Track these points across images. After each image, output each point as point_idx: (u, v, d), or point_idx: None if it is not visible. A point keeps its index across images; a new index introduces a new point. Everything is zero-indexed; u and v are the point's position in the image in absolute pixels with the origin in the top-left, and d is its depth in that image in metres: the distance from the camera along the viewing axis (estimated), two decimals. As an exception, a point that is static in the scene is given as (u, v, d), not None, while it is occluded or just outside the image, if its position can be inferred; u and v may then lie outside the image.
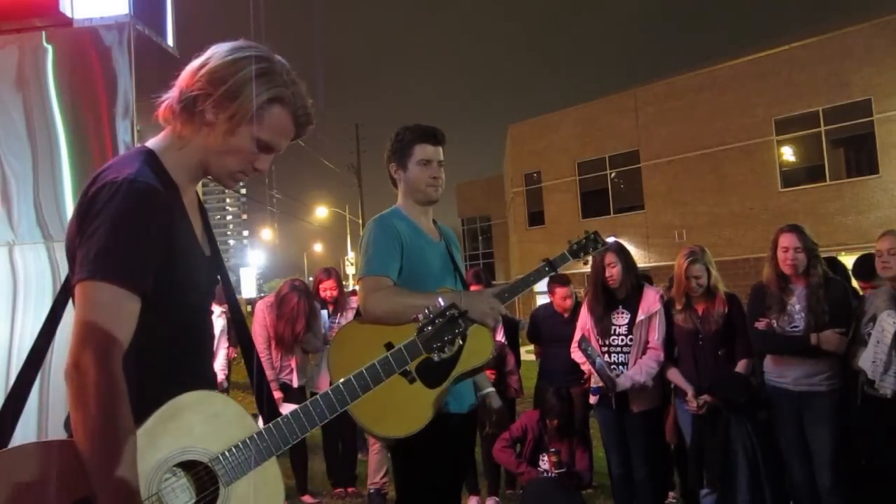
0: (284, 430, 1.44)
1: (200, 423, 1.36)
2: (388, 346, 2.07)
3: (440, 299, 1.79)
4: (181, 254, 1.38)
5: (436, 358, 1.73)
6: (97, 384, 1.18)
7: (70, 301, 1.47)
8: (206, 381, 1.51)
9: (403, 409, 2.08)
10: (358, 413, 2.06)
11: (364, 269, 2.37)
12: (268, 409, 1.52)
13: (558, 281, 5.07)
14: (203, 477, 1.34)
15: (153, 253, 1.30)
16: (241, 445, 1.38)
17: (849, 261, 4.74)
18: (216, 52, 1.42)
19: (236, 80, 1.38)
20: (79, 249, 1.28)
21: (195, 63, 1.43)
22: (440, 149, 2.56)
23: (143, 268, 1.28)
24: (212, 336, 1.64)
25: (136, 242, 1.27)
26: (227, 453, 1.36)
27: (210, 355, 1.64)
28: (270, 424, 1.43)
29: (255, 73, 1.38)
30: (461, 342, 1.95)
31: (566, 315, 4.96)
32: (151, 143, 1.47)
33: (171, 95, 1.44)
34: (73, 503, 1.20)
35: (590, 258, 2.68)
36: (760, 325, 3.64)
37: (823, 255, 3.93)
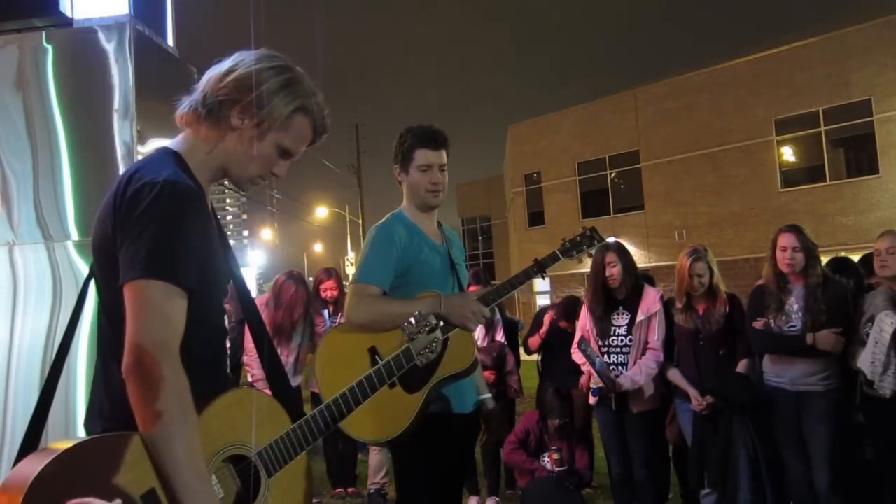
0: (313, 426, 1.55)
1: (242, 419, 1.42)
2: (372, 350, 2.12)
3: (418, 311, 1.91)
4: (212, 255, 1.43)
5: (419, 363, 1.90)
6: (165, 378, 1.23)
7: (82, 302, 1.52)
8: (228, 380, 1.60)
9: (381, 413, 2.09)
10: None
11: (354, 276, 2.43)
12: (284, 398, 1.57)
13: (563, 316, 5.06)
14: (246, 471, 1.41)
15: (197, 252, 1.35)
16: (279, 440, 1.47)
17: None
18: (243, 60, 1.47)
19: (266, 88, 1.42)
20: (123, 249, 1.30)
21: (221, 68, 1.47)
22: (442, 152, 2.51)
23: (192, 266, 1.33)
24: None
25: (185, 241, 1.32)
26: (268, 448, 1.45)
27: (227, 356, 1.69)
28: (302, 420, 1.53)
29: (284, 83, 1.44)
30: (441, 347, 2.04)
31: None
32: (173, 144, 1.50)
33: (194, 98, 1.47)
34: (141, 496, 1.22)
35: (584, 257, 2.51)
36: (758, 324, 3.64)
37: (831, 254, 3.93)
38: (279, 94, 1.44)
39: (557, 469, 4.27)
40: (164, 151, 1.48)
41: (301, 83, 1.48)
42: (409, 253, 2.42)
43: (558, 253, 2.44)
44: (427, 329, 1.88)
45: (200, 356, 1.40)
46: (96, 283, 1.46)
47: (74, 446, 1.20)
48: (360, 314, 2.26)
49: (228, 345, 5.70)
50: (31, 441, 1.42)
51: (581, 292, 5.59)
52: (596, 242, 2.49)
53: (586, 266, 3.79)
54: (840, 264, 4.12)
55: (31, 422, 1.45)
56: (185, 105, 1.49)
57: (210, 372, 1.44)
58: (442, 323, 2.00)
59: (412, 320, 1.92)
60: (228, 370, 5.65)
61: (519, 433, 4.50)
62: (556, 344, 5.11)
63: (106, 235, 1.37)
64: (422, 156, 2.49)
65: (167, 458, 1.22)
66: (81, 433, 1.42)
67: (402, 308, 2.21)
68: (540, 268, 2.38)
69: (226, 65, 1.47)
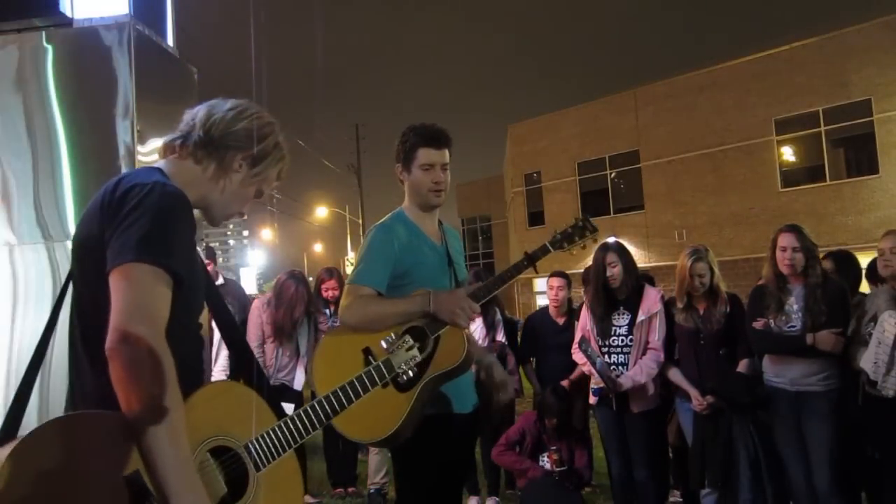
0: (298, 425, 1.57)
1: (227, 410, 1.42)
2: (366, 350, 2.16)
3: (399, 333, 2.00)
4: (195, 259, 1.49)
5: (403, 378, 2.01)
6: (154, 355, 1.23)
7: (63, 301, 1.53)
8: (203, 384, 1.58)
9: (374, 412, 2.08)
10: None
11: (349, 278, 2.43)
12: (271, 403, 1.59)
13: (556, 272, 5.05)
14: (229, 462, 1.40)
15: (185, 246, 1.40)
16: (267, 434, 1.48)
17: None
18: (247, 111, 1.59)
19: (267, 143, 1.60)
20: (113, 240, 1.33)
21: (224, 114, 1.57)
22: (445, 152, 2.50)
23: (181, 255, 1.36)
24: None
25: (175, 233, 1.37)
26: (255, 441, 1.45)
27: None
28: (287, 418, 1.55)
29: (277, 140, 1.64)
30: (426, 354, 2.13)
31: (561, 322, 4.96)
32: (161, 165, 1.56)
33: (192, 134, 1.55)
34: (125, 477, 1.20)
35: (577, 248, 2.46)
36: (758, 324, 3.64)
37: (834, 250, 3.91)
38: (274, 150, 1.62)
39: (557, 469, 4.27)
40: (150, 168, 1.54)
41: (280, 139, 1.65)
42: (408, 254, 2.41)
43: (549, 245, 2.41)
44: (405, 346, 1.98)
45: (179, 354, 1.39)
46: (74, 285, 1.47)
47: (48, 424, 1.18)
48: (352, 315, 2.27)
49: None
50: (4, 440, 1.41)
51: (580, 293, 5.58)
52: (588, 233, 2.45)
53: (585, 264, 3.79)
54: (842, 259, 4.09)
55: (4, 423, 1.41)
56: (178, 138, 1.56)
57: (188, 372, 1.42)
58: (419, 344, 2.05)
59: (392, 335, 2.02)
60: (226, 371, 5.52)
61: (512, 435, 4.47)
62: (543, 336, 5.09)
63: (91, 235, 1.39)
64: (424, 154, 2.47)
65: (152, 438, 1.20)
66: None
67: (393, 307, 2.23)
68: (530, 261, 2.36)
69: (229, 112, 1.58)
